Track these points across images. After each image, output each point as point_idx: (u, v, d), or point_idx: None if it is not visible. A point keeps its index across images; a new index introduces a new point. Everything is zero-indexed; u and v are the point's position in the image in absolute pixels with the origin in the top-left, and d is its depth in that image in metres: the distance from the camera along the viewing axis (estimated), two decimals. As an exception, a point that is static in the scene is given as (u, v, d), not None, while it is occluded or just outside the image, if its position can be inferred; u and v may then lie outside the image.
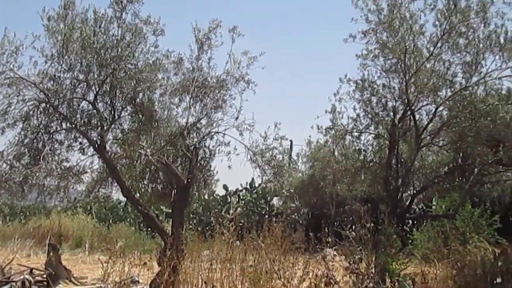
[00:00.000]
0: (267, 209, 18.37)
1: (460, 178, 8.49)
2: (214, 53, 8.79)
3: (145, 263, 8.29)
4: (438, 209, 13.63)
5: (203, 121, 9.09)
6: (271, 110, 25.04)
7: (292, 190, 17.06)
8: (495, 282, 9.08)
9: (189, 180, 8.58)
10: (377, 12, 7.63)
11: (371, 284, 6.37)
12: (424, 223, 13.77)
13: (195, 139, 9.07)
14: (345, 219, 16.73)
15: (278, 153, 8.83)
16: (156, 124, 8.47)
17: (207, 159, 9.57)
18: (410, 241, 13.99)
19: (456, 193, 12.22)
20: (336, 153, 8.42)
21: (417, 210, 15.95)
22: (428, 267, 10.42)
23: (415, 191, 8.68)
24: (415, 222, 15.68)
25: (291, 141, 18.71)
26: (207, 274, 7.76)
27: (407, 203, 8.48)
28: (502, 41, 7.17)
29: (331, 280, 5.67)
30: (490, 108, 7.28)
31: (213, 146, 9.22)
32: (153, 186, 9.95)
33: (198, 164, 9.41)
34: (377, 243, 7.12)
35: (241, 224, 14.88)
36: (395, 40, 7.70)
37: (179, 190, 8.63)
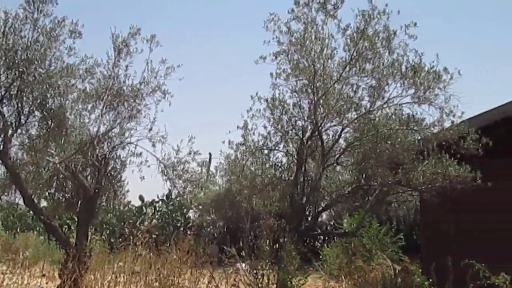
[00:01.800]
0: (183, 221, 18.27)
1: (363, 198, 8.85)
2: (132, 61, 8.73)
3: (44, 275, 8.05)
4: (347, 227, 14.14)
5: (116, 130, 8.95)
6: (190, 121, 25.02)
7: (208, 203, 17.08)
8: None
9: (97, 190, 8.41)
10: (289, 34, 7.86)
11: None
12: (333, 240, 14.25)
13: (106, 149, 8.91)
14: (259, 233, 16.96)
15: (193, 166, 8.88)
16: (66, 131, 8.24)
17: (118, 170, 9.43)
18: (320, 257, 14.42)
19: (364, 211, 12.77)
20: (246, 169, 8.54)
21: (328, 227, 16.45)
22: (335, 283, 10.76)
23: (319, 209, 8.95)
24: (326, 238, 16.16)
25: (210, 154, 18.82)
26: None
27: (312, 220, 8.73)
28: (403, 69, 7.61)
29: None
30: (391, 132, 7.67)
31: (124, 157, 9.11)
32: (61, 195, 9.69)
33: (108, 175, 9.25)
34: (279, 259, 7.30)
35: (155, 236, 14.72)
36: (307, 62, 7.95)
37: (85, 200, 8.45)
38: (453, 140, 7.62)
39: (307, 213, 9.05)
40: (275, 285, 7.35)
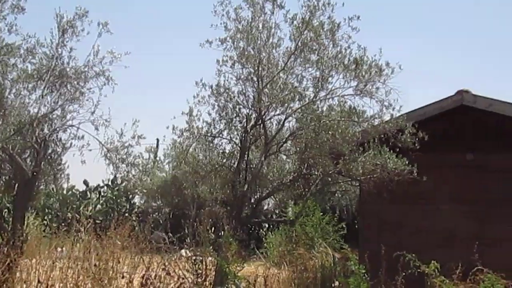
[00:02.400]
0: (128, 207, 18.07)
1: (304, 186, 9.00)
2: (77, 44, 8.54)
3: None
4: (292, 215, 14.36)
5: (57, 112, 8.74)
6: (137, 107, 24.71)
7: (154, 189, 16.95)
8: (333, 285, 9.73)
9: (35, 173, 8.20)
10: (237, 20, 7.86)
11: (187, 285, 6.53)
12: (278, 228, 14.44)
13: (46, 131, 8.69)
14: (205, 220, 16.96)
15: (140, 152, 8.82)
16: (5, 112, 7.98)
17: (58, 153, 9.23)
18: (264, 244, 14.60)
19: (309, 200, 12.99)
20: (189, 155, 8.52)
21: (273, 215, 16.64)
22: (278, 270, 10.94)
23: (261, 197, 9.04)
24: (271, 226, 16.35)
25: (157, 140, 18.64)
26: (47, 273, 7.46)
27: (253, 208, 8.81)
28: (346, 62, 7.74)
29: (148, 281, 5.73)
30: (333, 123, 7.81)
31: (65, 140, 8.92)
32: (-1, 177, 9.43)
33: (48, 158, 9.05)
34: (219, 245, 7.35)
35: (99, 221, 14.50)
36: (253, 50, 7.97)
37: (23, 183, 8.23)
38: (391, 133, 7.84)
39: (250, 200, 9.08)
40: (213, 272, 7.39)
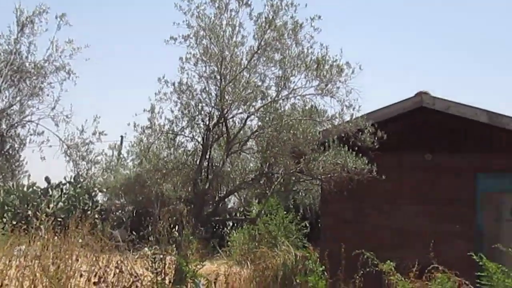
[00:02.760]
0: (91, 204, 17.80)
1: (267, 185, 9.04)
2: (36, 39, 8.42)
3: None
4: (255, 213, 14.39)
5: (15, 108, 8.59)
6: (100, 103, 24.43)
7: (118, 187, 16.72)
8: (293, 283, 9.79)
9: (-9, 169, 8.03)
10: (200, 18, 7.82)
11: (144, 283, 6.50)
12: (241, 227, 14.45)
13: (4, 126, 8.52)
14: (169, 218, 16.84)
15: (103, 149, 8.74)
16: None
17: (16, 149, 9.06)
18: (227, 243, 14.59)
19: (272, 198, 13.05)
20: (151, 152, 8.45)
21: (237, 213, 16.65)
22: (240, 269, 10.94)
23: (222, 195, 9.04)
24: (235, 225, 16.36)
25: (122, 137, 18.41)
26: (2, 272, 7.30)
27: (214, 206, 8.80)
28: (308, 61, 7.80)
29: (100, 279, 5.68)
30: (294, 122, 7.86)
31: (24, 136, 8.76)
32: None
33: (6, 154, 8.87)
34: (179, 244, 7.31)
35: (60, 219, 14.23)
36: (216, 48, 7.95)
37: (-22, 179, 8.04)
38: (352, 133, 7.94)
39: (213, 198, 9.07)
40: (173, 270, 7.35)
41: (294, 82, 8.06)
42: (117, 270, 6.02)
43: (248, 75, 8.20)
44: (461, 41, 36.50)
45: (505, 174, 9.06)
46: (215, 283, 8.86)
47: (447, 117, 9.05)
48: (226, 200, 17.19)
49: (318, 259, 8.05)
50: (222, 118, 8.11)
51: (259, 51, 7.95)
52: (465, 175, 9.06)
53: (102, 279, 5.48)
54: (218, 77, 8.00)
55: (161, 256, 7.31)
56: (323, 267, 7.24)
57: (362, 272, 6.83)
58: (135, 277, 6.13)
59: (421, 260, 6.90)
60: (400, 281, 6.26)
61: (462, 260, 7.24)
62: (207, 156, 8.38)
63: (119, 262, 6.38)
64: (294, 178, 9.12)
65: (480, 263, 6.03)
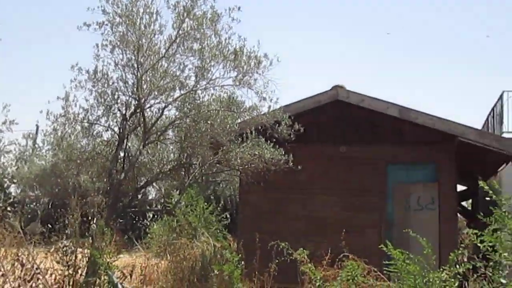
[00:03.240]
0: (2, 197, 16.98)
1: (185, 176, 8.97)
2: None
3: None
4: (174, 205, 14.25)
5: None
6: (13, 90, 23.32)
7: (32, 178, 16.07)
8: (211, 274, 9.79)
9: None
10: (116, 4, 7.60)
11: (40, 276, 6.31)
12: (161, 218, 14.27)
13: None
14: (87, 210, 16.37)
15: (16, 138, 8.29)
16: None
17: None
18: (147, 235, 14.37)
19: (192, 189, 12.97)
20: (64, 142, 8.14)
21: (158, 205, 16.45)
22: (159, 260, 10.80)
23: (139, 186, 8.88)
24: (156, 216, 16.15)
25: (37, 126, 17.67)
26: None
27: (131, 197, 8.63)
28: (226, 52, 7.78)
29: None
30: (212, 113, 7.84)
31: None
32: None
33: None
34: (93, 235, 7.12)
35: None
36: (133, 35, 7.76)
37: None
38: (269, 124, 8.03)
39: (128, 190, 8.87)
40: (85, 263, 7.15)
41: (212, 72, 8.02)
42: (18, 264, 5.77)
43: (166, 65, 8.07)
44: (380, 37, 37.86)
45: (414, 166, 9.52)
46: (130, 275, 8.73)
47: (361, 111, 9.36)
48: (146, 191, 16.97)
49: (236, 249, 8.11)
50: (139, 108, 7.94)
51: (177, 40, 7.84)
52: (377, 166, 9.43)
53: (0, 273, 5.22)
54: (135, 65, 7.81)
55: (72, 249, 7.11)
56: (239, 256, 7.29)
57: (277, 261, 6.93)
58: (37, 269, 5.90)
59: (334, 249, 7.09)
60: (312, 270, 6.39)
61: (373, 248, 7.53)
62: (124, 146, 8.18)
63: (20, 255, 6.13)
64: (212, 169, 9.10)
65: (386, 250, 6.27)
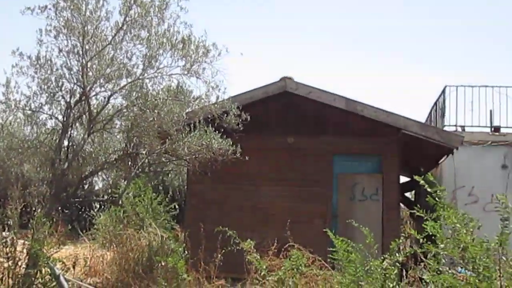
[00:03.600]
0: None
1: (131, 166, 8.82)
2: None
3: None
4: (124, 195, 14.04)
5: None
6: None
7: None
8: (160, 265, 9.73)
9: None
10: (61, -12, 7.37)
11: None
12: (108, 209, 14.04)
13: None
14: (32, 201, 15.91)
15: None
16: None
17: None
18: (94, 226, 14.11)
19: (140, 180, 12.81)
20: (4, 129, 7.86)
21: (105, 195, 16.15)
22: (106, 252, 10.63)
23: (84, 176, 8.68)
24: (104, 206, 15.87)
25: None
26: None
27: (75, 187, 8.44)
28: (174, 41, 7.69)
29: None
30: (159, 102, 7.74)
31: None
32: None
33: None
34: (33, 227, 6.93)
35: None
36: (78, 21, 7.55)
37: None
38: (217, 114, 8.01)
39: (73, 180, 8.66)
40: (26, 254, 6.97)
41: (160, 61, 7.90)
42: None
43: (113, 52, 7.89)
44: (328, 31, 38.33)
45: (360, 157, 9.72)
46: (74, 267, 8.56)
47: (309, 102, 9.47)
48: (93, 181, 16.62)
49: (183, 240, 8.09)
50: (85, 95, 7.75)
51: (124, 27, 7.68)
52: (323, 157, 9.58)
53: None
54: (81, 52, 7.61)
55: (11, 240, 6.92)
56: (184, 247, 7.28)
57: (223, 251, 6.95)
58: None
59: (281, 239, 7.18)
60: (257, 259, 6.44)
61: (319, 238, 7.67)
62: (68, 135, 7.98)
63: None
64: (159, 159, 9.00)
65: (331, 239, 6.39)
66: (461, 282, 4.74)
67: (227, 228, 6.77)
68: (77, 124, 8.51)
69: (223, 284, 7.86)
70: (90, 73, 7.74)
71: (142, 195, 12.60)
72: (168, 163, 10.33)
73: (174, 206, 13.80)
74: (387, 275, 5.25)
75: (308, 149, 9.58)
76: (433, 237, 4.88)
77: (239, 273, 7.05)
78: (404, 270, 5.94)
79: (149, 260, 9.65)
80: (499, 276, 4.54)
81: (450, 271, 5.12)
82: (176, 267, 6.83)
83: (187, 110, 8.16)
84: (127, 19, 7.62)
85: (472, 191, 11.74)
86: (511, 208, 4.69)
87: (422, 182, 4.93)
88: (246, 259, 6.79)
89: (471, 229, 4.77)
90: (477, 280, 4.50)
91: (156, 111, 7.64)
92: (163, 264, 8.58)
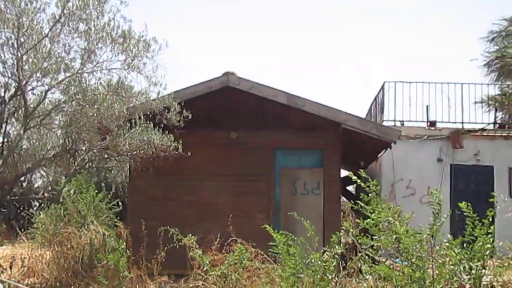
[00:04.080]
0: None
1: (70, 162, 8.61)
2: None
3: None
4: (65, 192, 13.67)
5: None
6: None
7: None
8: (101, 263, 9.55)
9: None
10: (-7, -22, 7.09)
11: None
12: (48, 207, 13.64)
13: None
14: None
15: None
16: None
17: None
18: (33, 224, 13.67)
19: (81, 176, 12.50)
20: None
21: (46, 193, 15.70)
22: (45, 251, 10.32)
23: (20, 173, 8.41)
24: (44, 204, 15.40)
25: None
26: None
27: (10, 185, 8.17)
28: (114, 35, 7.54)
29: None
30: (99, 97, 7.58)
31: None
32: None
33: None
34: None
35: None
36: (13, 12, 7.28)
37: None
38: (159, 110, 7.94)
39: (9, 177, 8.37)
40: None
41: (100, 55, 7.73)
42: None
43: (50, 45, 7.65)
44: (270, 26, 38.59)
45: (301, 152, 9.87)
46: (10, 267, 8.30)
47: (252, 97, 9.52)
48: (32, 179, 16.11)
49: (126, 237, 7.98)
50: (20, 90, 7.49)
51: (62, 20, 7.45)
52: (265, 152, 9.67)
53: None
54: (15, 45, 7.35)
55: None
56: (125, 244, 7.19)
57: (166, 247, 6.91)
58: None
59: (224, 234, 7.20)
60: (199, 255, 6.45)
61: (261, 232, 7.72)
62: (3, 131, 7.71)
63: None
64: (99, 155, 8.83)
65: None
66: (396, 272, 4.92)
67: (168, 227, 6.74)
68: (13, 120, 8.23)
69: (166, 280, 7.82)
70: (26, 67, 7.49)
71: (84, 192, 12.32)
72: (109, 159, 10.14)
73: (117, 203, 13.55)
74: (326, 267, 5.38)
75: (250, 143, 9.64)
76: (370, 229, 5.04)
77: (182, 269, 7.03)
78: (344, 262, 6.09)
79: (90, 258, 9.47)
80: (432, 265, 4.74)
81: (386, 262, 5.30)
82: (117, 265, 6.76)
83: (128, 106, 8.03)
84: (64, 11, 7.39)
85: (410, 184, 12.17)
86: (443, 200, 4.90)
87: (354, 178, 5.07)
88: (189, 255, 6.79)
89: (406, 221, 4.96)
90: (410, 270, 4.68)
91: (95, 106, 7.48)
92: (104, 262, 8.46)
